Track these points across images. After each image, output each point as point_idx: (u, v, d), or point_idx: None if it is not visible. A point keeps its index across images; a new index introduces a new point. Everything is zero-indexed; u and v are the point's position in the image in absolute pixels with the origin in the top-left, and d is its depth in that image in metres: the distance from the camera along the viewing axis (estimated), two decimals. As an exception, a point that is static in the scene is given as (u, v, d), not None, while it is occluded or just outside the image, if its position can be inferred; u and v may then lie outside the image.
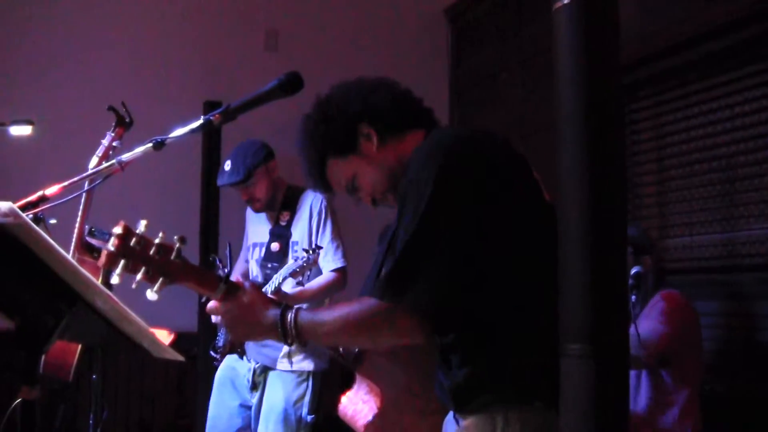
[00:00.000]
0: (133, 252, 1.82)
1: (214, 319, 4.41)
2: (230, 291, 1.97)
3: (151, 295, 1.84)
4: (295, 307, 2.02)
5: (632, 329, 3.37)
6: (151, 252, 1.85)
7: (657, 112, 4.91)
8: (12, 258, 1.58)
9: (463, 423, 2.02)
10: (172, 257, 1.87)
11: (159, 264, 1.86)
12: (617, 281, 1.48)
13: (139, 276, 1.83)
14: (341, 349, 2.75)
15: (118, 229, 1.84)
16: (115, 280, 1.78)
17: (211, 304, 2.00)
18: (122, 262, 1.79)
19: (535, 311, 1.88)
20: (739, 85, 4.35)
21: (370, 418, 2.18)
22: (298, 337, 1.95)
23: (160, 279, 1.86)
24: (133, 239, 1.83)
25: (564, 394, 1.49)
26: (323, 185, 2.31)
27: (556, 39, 1.56)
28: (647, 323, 3.59)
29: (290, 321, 1.96)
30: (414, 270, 1.88)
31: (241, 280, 2.03)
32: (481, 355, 1.95)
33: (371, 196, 2.25)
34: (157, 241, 1.87)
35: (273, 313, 1.98)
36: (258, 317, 1.98)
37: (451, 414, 2.15)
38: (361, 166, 2.20)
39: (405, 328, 1.92)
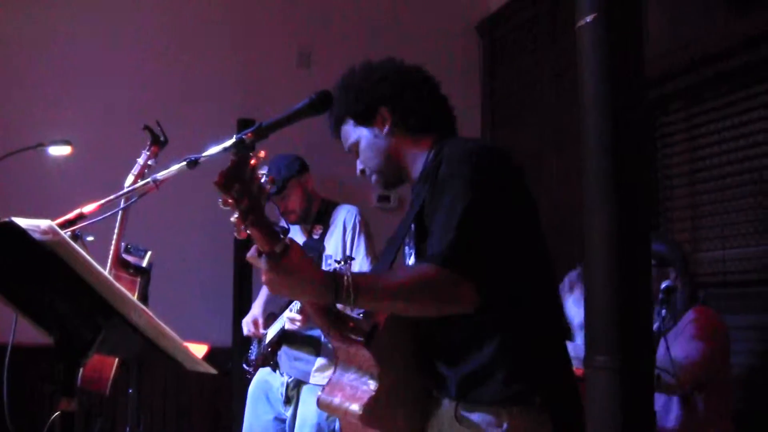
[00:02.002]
0: (244, 181, 1.78)
1: (246, 331, 4.50)
2: (287, 248, 1.89)
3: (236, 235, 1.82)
4: None
5: (662, 350, 3.33)
6: (254, 189, 1.80)
7: (689, 125, 4.90)
8: (52, 274, 1.63)
9: (467, 417, 2.07)
10: (263, 201, 1.82)
11: (253, 202, 1.80)
12: (642, 296, 1.50)
13: (235, 216, 1.78)
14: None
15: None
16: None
17: (253, 251, 1.92)
18: (237, 187, 1.76)
19: (544, 310, 2.04)
20: (771, 97, 4.34)
21: (366, 398, 2.08)
22: (353, 292, 1.91)
23: (247, 220, 1.80)
24: (249, 169, 1.80)
25: (590, 404, 1.52)
26: (335, 134, 2.49)
27: (579, 56, 1.59)
28: (680, 347, 3.51)
29: (348, 276, 1.93)
30: (472, 243, 1.99)
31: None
32: (494, 347, 2.05)
33: (362, 168, 2.45)
34: (262, 172, 1.83)
35: (328, 268, 2.00)
36: (312, 271, 1.93)
37: (445, 407, 2.17)
38: (366, 140, 2.39)
39: (464, 296, 1.98)
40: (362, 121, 2.39)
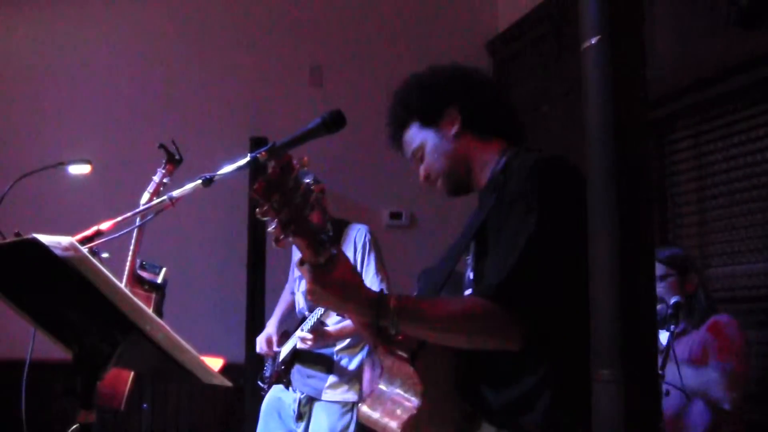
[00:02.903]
0: (286, 190, 1.67)
1: (259, 349, 4.54)
2: (332, 259, 1.81)
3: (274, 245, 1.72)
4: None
5: (671, 368, 3.35)
6: (296, 198, 1.70)
7: (697, 141, 4.92)
8: (72, 289, 1.67)
9: None
10: (306, 211, 1.72)
11: (294, 212, 1.70)
12: (645, 308, 1.54)
13: (273, 226, 1.69)
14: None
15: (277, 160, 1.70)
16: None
17: (298, 260, 1.84)
18: (276, 197, 1.65)
19: (584, 337, 1.82)
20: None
21: (405, 417, 2.00)
22: (397, 316, 1.85)
23: (287, 231, 1.70)
24: (292, 176, 1.69)
25: (596, 416, 1.55)
26: (395, 142, 2.35)
27: (584, 77, 1.62)
28: (720, 363, 3.53)
29: (394, 298, 1.86)
30: (529, 279, 1.90)
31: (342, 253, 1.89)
32: (542, 374, 1.96)
33: (427, 173, 2.28)
34: (307, 181, 1.72)
35: (373, 288, 1.91)
36: (356, 287, 1.86)
37: (485, 431, 2.09)
38: (432, 143, 2.25)
39: (513, 336, 1.92)
40: (429, 122, 2.26)
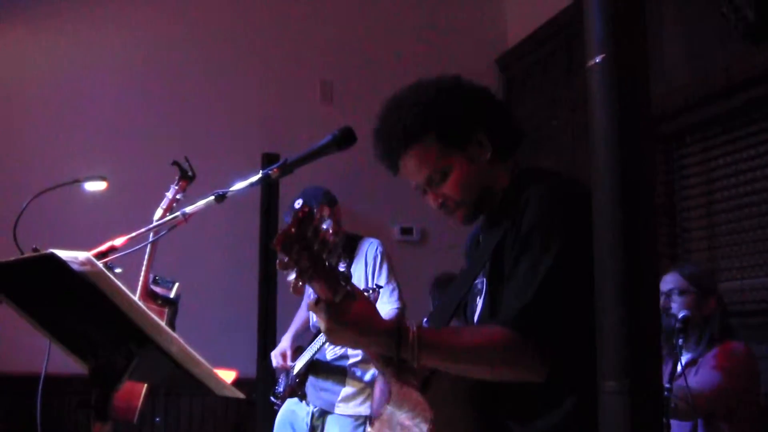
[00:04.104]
0: (305, 240, 1.66)
1: (275, 363, 4.56)
2: (347, 296, 1.79)
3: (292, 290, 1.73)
4: None
5: (680, 380, 3.35)
6: (316, 246, 1.68)
7: (705, 157, 4.94)
8: (88, 303, 1.70)
9: None
10: (324, 255, 1.70)
11: (313, 258, 1.68)
12: (649, 322, 1.57)
13: (292, 276, 1.68)
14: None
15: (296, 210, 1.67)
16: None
17: (312, 299, 1.81)
18: (296, 248, 1.64)
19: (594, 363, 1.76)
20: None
21: None
22: (417, 348, 1.82)
23: (305, 276, 1.69)
24: (311, 227, 1.66)
25: (602, 428, 1.58)
26: (398, 152, 2.14)
27: (590, 95, 1.66)
28: (699, 376, 3.53)
29: (413, 330, 1.83)
30: (551, 311, 1.87)
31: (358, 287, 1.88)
32: (569, 407, 1.93)
33: (447, 199, 2.13)
34: (324, 227, 1.69)
35: (391, 320, 1.88)
36: (374, 322, 1.83)
37: None
38: (459, 167, 2.09)
39: (535, 367, 1.88)
40: (455, 144, 2.09)
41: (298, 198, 4.44)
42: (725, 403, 3.51)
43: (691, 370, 3.62)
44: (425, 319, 2.25)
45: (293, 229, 1.64)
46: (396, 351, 1.83)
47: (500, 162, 2.15)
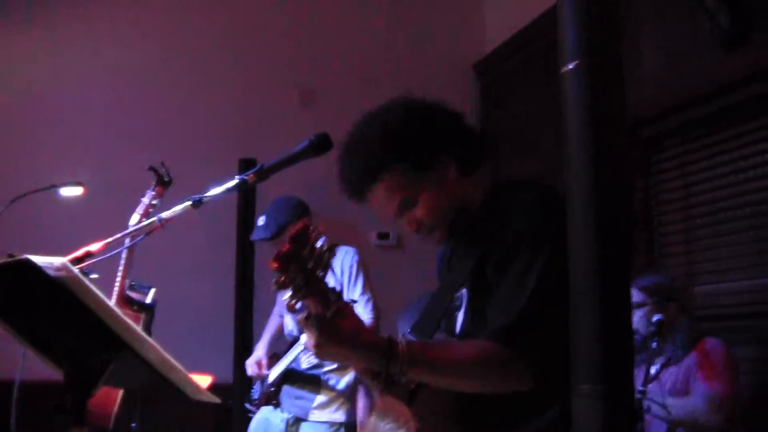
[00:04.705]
0: (301, 258, 1.69)
1: (250, 372, 4.55)
2: (338, 312, 1.80)
3: (292, 314, 1.76)
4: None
5: (655, 385, 3.38)
6: (310, 264, 1.71)
7: (683, 161, 4.96)
8: (64, 309, 1.70)
9: None
10: (318, 272, 1.73)
11: (308, 276, 1.71)
12: (622, 326, 1.58)
13: (288, 295, 1.71)
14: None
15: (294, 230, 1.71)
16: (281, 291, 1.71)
17: (302, 317, 1.81)
18: (294, 267, 1.67)
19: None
20: (763, 134, 4.40)
21: None
22: (407, 364, 1.83)
23: (300, 294, 1.72)
24: (307, 245, 1.70)
25: (576, 431, 1.59)
26: (364, 186, 2.13)
27: (564, 101, 1.67)
28: (710, 383, 3.56)
29: (403, 345, 1.84)
30: (538, 323, 1.88)
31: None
32: (552, 415, 1.93)
33: (422, 223, 2.14)
34: (319, 245, 1.73)
35: (380, 335, 1.88)
36: (364, 337, 1.84)
37: None
38: (428, 191, 2.09)
39: (524, 377, 1.89)
40: (423, 169, 2.08)
41: (267, 209, 4.44)
42: (733, 406, 3.59)
43: (667, 370, 3.65)
44: (408, 331, 2.25)
45: (289, 249, 1.66)
46: (385, 366, 1.83)
47: (469, 176, 2.15)
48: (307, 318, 1.79)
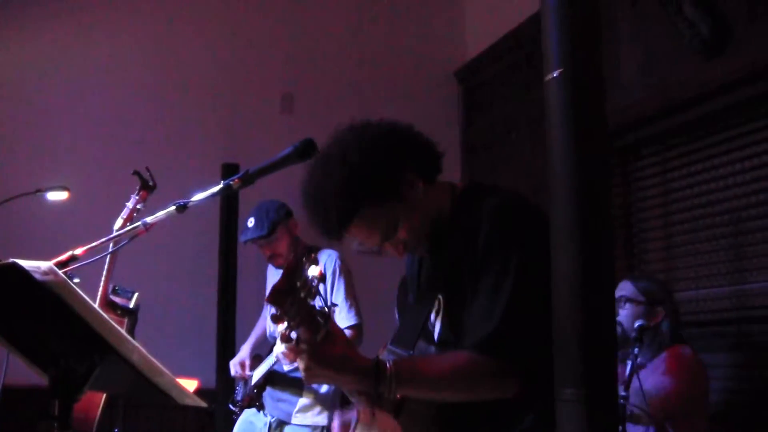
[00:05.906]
0: (295, 291, 1.74)
1: (233, 372, 4.56)
2: (327, 336, 1.83)
3: (281, 345, 1.81)
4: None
5: (635, 383, 3.41)
6: (302, 294, 1.76)
7: (662, 168, 5.01)
8: (50, 313, 1.70)
9: None
10: (309, 300, 1.78)
11: (300, 306, 1.76)
12: (605, 331, 1.60)
13: (285, 327, 1.76)
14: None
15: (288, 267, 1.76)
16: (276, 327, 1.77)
17: (289, 347, 1.82)
18: (289, 300, 1.73)
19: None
20: (741, 142, 4.45)
21: None
22: (395, 382, 1.86)
23: (294, 322, 1.77)
24: (300, 277, 1.76)
25: (558, 435, 1.61)
26: (339, 233, 2.11)
27: (547, 109, 1.69)
28: (652, 380, 3.58)
29: (390, 365, 1.87)
30: (519, 329, 1.90)
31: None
32: (534, 420, 1.98)
33: (406, 244, 2.13)
34: (310, 275, 1.77)
35: (367, 357, 1.90)
36: (353, 360, 1.87)
37: None
38: (404, 213, 2.08)
39: (506, 385, 1.93)
40: (390, 197, 2.06)
41: (253, 211, 4.45)
42: (678, 406, 3.58)
43: (639, 373, 3.68)
44: (389, 342, 2.27)
45: (285, 284, 1.72)
46: (374, 388, 1.87)
47: (432, 185, 2.16)
48: (296, 343, 1.81)
